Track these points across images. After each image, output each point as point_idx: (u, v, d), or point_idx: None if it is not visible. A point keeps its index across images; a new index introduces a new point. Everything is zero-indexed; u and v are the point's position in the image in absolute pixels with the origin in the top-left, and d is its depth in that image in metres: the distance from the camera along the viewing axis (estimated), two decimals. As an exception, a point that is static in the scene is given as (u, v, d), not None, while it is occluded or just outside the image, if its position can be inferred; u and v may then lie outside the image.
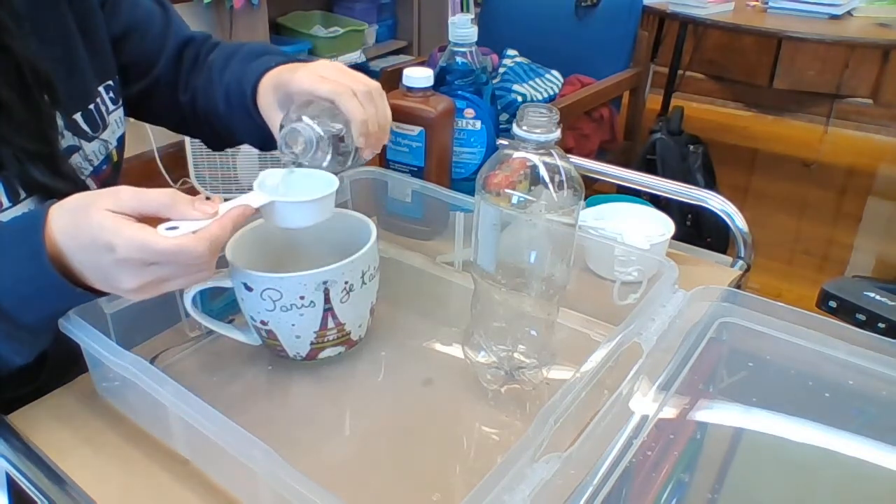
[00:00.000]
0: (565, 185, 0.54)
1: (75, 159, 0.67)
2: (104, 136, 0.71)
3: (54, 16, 0.67)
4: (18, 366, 0.56)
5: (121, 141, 0.74)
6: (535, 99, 2.07)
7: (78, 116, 0.68)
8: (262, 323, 0.60)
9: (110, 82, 0.72)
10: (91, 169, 0.69)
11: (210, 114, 0.77)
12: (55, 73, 0.64)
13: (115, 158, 0.73)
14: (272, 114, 0.68)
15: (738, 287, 0.79)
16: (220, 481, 0.53)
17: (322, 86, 0.62)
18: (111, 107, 0.72)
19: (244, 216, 0.54)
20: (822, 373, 0.60)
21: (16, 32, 0.61)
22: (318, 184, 0.60)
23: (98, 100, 0.70)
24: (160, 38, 0.77)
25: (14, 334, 0.53)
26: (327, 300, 0.59)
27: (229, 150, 2.12)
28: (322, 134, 0.59)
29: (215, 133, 0.80)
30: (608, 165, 0.98)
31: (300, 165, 0.60)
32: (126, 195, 0.50)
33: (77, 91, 0.68)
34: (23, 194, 0.62)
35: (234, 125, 0.75)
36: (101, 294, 0.53)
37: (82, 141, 0.68)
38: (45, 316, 0.55)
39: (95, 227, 0.48)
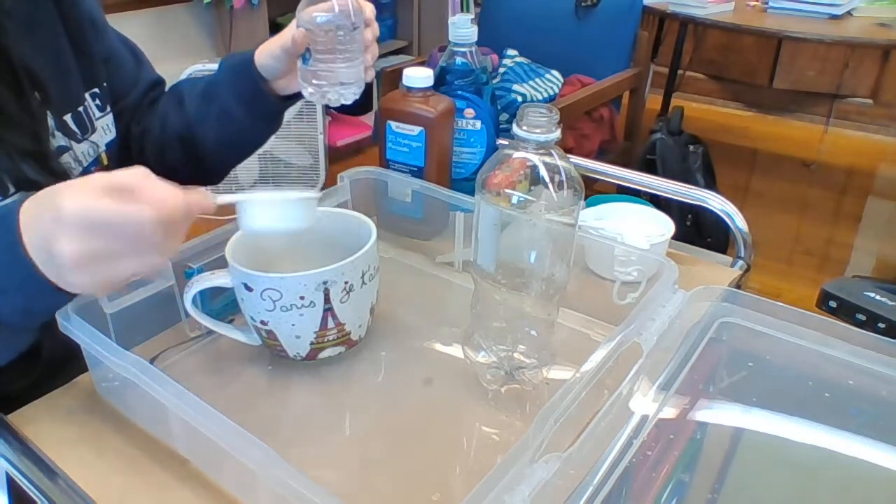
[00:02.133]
0: (565, 185, 0.54)
1: (65, 159, 0.68)
2: (93, 138, 0.72)
3: (47, 22, 0.68)
4: None
5: (111, 146, 0.75)
6: (535, 99, 2.07)
7: (68, 118, 0.69)
8: (262, 323, 0.60)
9: (96, 90, 0.73)
10: (80, 169, 0.70)
11: (193, 135, 0.79)
12: (46, 75, 0.65)
13: (105, 162, 0.74)
14: (273, 48, 0.72)
15: (738, 287, 0.79)
16: (220, 481, 0.53)
17: None
18: (97, 113, 0.73)
19: (202, 205, 0.49)
20: (822, 373, 0.60)
21: (11, 33, 0.62)
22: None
23: (85, 104, 0.71)
24: (134, 70, 0.81)
25: None
26: (327, 300, 0.59)
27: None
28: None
29: (195, 158, 0.81)
30: (608, 165, 0.98)
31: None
32: (95, 175, 0.46)
33: (66, 94, 0.69)
34: (11, 189, 0.62)
35: (239, 121, 0.77)
36: (63, 292, 0.50)
37: (72, 142, 0.69)
38: (16, 309, 0.51)
39: (50, 193, 0.46)
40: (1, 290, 0.50)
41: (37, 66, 0.64)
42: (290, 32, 0.69)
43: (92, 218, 0.44)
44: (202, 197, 0.49)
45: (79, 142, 0.69)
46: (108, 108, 0.75)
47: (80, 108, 0.70)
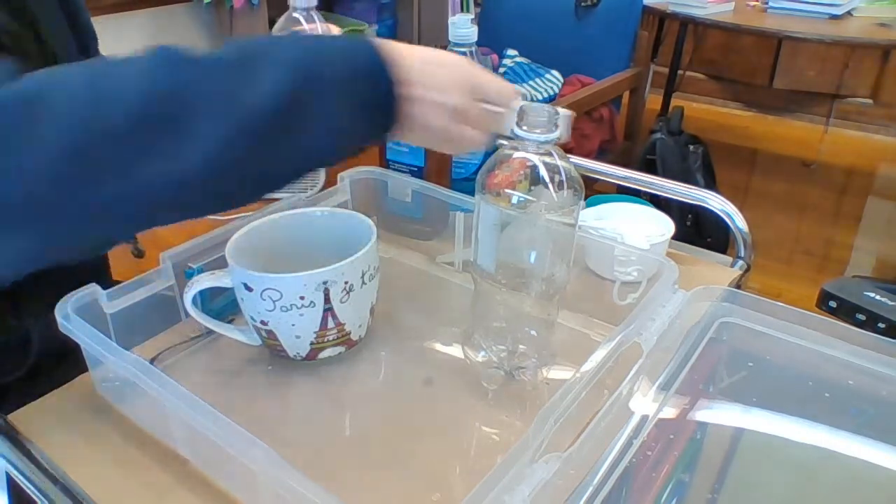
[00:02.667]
0: (565, 185, 0.54)
1: None
2: None
3: None
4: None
5: None
6: (535, 99, 2.07)
7: None
8: (262, 323, 0.60)
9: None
10: None
11: None
12: (51, 31, 0.65)
13: None
14: None
15: (738, 287, 0.79)
16: (220, 481, 0.53)
17: None
18: None
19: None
20: (822, 373, 0.60)
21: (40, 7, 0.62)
22: None
23: None
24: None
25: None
26: (327, 300, 0.59)
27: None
28: None
29: None
30: (608, 165, 0.98)
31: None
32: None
33: (64, 52, 0.68)
34: None
35: None
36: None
37: None
38: (346, 69, 0.50)
39: (450, 55, 0.54)
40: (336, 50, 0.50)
41: (54, 35, 0.65)
42: None
43: (496, 88, 0.54)
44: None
45: None
46: None
47: None
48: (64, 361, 0.62)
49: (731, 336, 0.62)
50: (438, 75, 0.53)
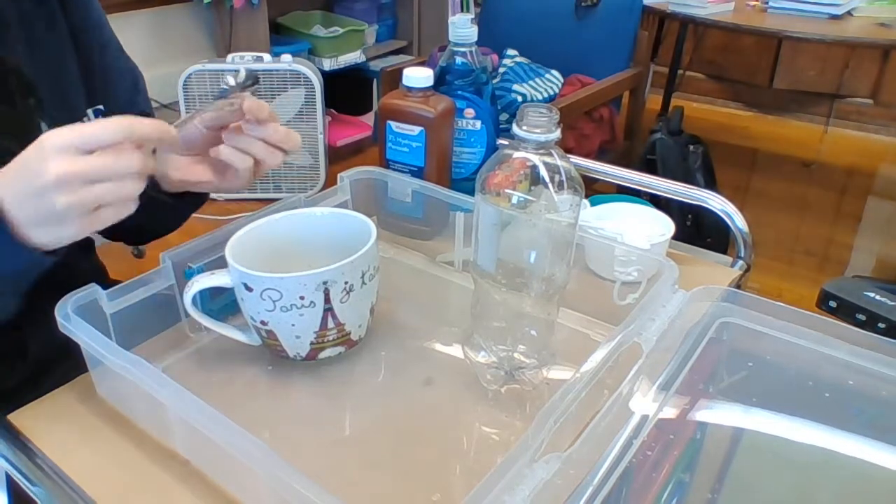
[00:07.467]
0: (565, 185, 0.54)
1: None
2: None
3: (48, 27, 0.68)
4: None
5: None
6: (535, 99, 2.07)
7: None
8: (262, 323, 0.60)
9: (101, 107, 0.73)
10: None
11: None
12: (41, 82, 0.66)
13: None
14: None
15: (738, 287, 0.79)
16: (220, 481, 0.53)
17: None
18: None
19: (169, 131, 0.53)
20: (822, 373, 0.60)
21: (8, 41, 0.63)
22: None
23: (86, 119, 0.71)
24: (128, 97, 0.79)
25: None
26: (327, 300, 0.59)
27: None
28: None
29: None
30: (608, 165, 0.98)
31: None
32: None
33: (65, 104, 0.69)
34: None
35: None
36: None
37: None
38: None
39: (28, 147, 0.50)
40: None
41: (33, 72, 0.65)
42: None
43: (78, 136, 0.48)
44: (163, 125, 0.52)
45: None
46: None
47: (79, 122, 0.70)
48: (64, 361, 0.62)
49: (731, 336, 0.62)
50: (14, 168, 0.51)
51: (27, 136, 0.64)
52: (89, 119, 0.71)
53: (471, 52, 0.84)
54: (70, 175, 0.48)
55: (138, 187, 0.52)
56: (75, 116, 0.70)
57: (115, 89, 0.78)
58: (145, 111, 0.83)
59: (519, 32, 2.31)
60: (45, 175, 0.48)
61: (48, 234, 0.52)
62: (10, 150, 0.61)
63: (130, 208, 0.52)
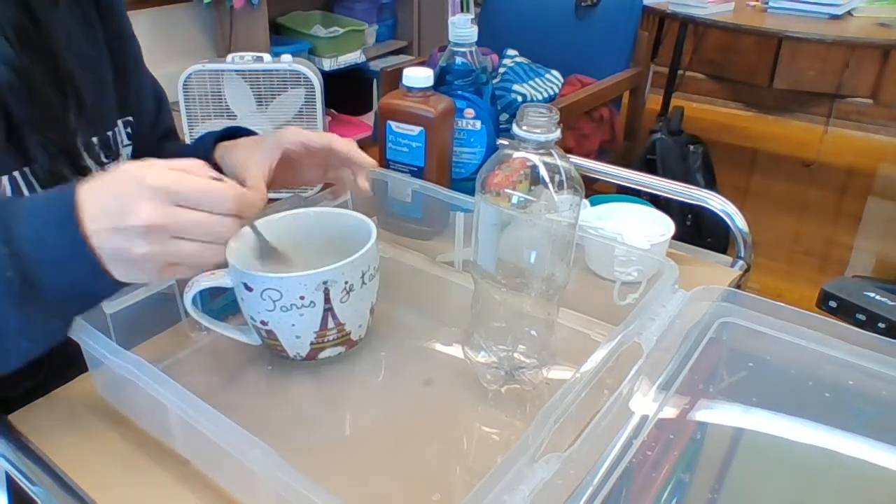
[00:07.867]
0: (565, 184, 0.54)
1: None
2: (114, 165, 0.72)
3: (93, 43, 0.70)
4: (27, 358, 0.53)
5: None
6: (535, 99, 2.07)
7: (95, 139, 0.69)
8: (262, 323, 0.60)
9: (130, 118, 0.74)
10: None
11: None
12: (86, 89, 0.67)
13: None
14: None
15: (738, 287, 0.80)
16: (220, 481, 0.53)
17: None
18: (126, 140, 0.74)
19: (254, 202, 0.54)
20: (822, 373, 0.60)
21: (59, 42, 0.64)
22: None
23: (116, 129, 0.73)
24: (152, 114, 0.81)
25: (32, 309, 0.50)
26: (327, 300, 0.59)
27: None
28: None
29: None
30: (608, 165, 0.98)
31: None
32: (156, 161, 0.49)
33: (100, 114, 0.70)
34: (38, 189, 0.63)
35: None
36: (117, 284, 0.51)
37: (93, 163, 0.69)
38: (64, 284, 0.50)
39: (122, 170, 0.48)
40: (54, 262, 0.49)
41: (79, 77, 0.66)
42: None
43: (180, 186, 0.47)
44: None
45: (100, 165, 0.70)
46: (131, 142, 0.75)
47: (110, 133, 0.71)
48: (72, 366, 0.62)
49: (731, 336, 0.62)
50: (105, 196, 0.48)
51: (73, 134, 0.65)
52: (119, 130, 0.73)
53: (471, 52, 0.84)
54: (161, 228, 0.47)
55: (221, 254, 0.51)
56: (106, 127, 0.71)
57: (144, 103, 0.79)
58: (169, 126, 0.85)
59: (519, 32, 2.31)
60: (135, 217, 0.46)
61: (123, 272, 0.50)
62: (63, 176, 0.62)
63: (202, 269, 0.52)
